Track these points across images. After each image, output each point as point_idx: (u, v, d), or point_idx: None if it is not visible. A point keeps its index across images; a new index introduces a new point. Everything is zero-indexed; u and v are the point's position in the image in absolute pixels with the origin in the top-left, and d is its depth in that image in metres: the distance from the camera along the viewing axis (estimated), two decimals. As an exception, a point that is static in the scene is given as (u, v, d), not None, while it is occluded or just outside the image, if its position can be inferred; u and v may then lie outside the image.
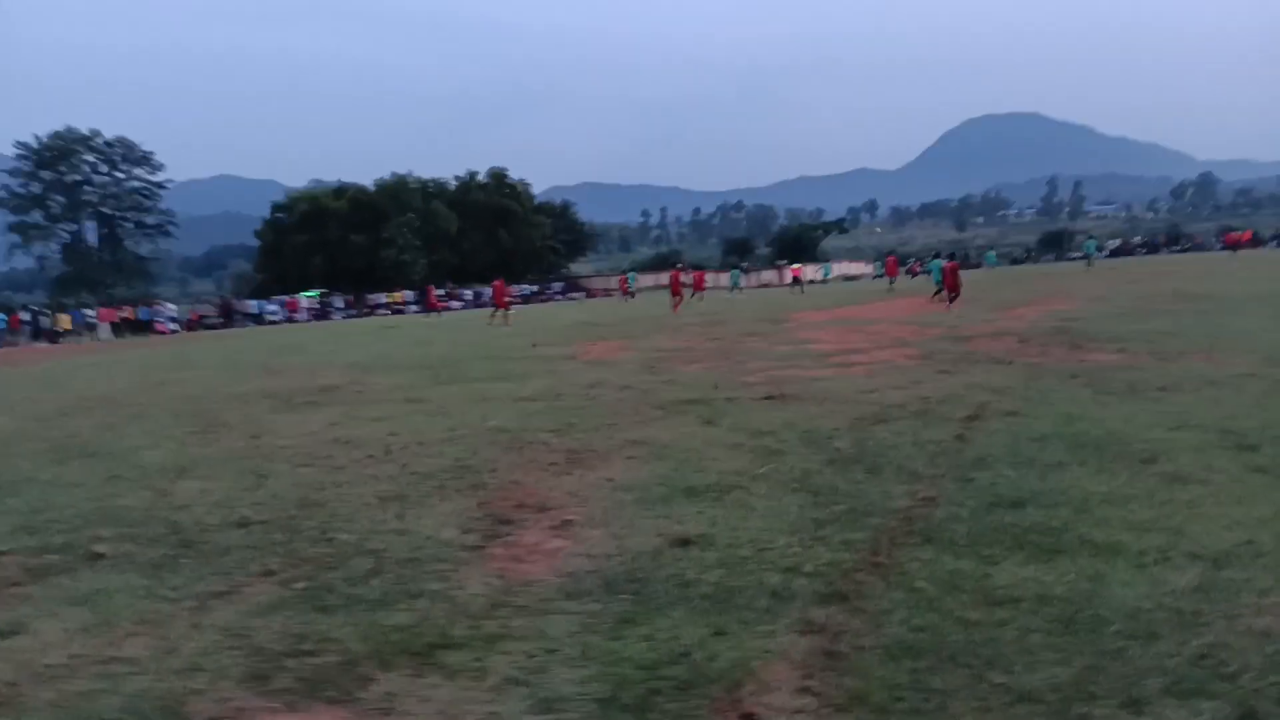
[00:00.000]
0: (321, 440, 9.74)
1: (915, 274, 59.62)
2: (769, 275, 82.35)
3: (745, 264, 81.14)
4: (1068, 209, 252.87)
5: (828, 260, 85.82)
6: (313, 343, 30.60)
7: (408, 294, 71.36)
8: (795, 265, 64.26)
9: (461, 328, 33.33)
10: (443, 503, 6.86)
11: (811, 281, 61.39)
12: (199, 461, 8.95)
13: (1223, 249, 76.95)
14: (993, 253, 35.98)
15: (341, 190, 78.67)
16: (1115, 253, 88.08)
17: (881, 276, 58.12)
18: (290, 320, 62.54)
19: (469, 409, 11.30)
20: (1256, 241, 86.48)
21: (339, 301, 68.50)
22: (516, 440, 9.07)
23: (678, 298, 36.20)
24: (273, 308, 64.56)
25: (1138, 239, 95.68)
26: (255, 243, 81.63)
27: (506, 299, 37.19)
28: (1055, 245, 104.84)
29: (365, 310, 67.59)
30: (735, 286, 56.85)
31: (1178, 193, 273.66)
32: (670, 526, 5.90)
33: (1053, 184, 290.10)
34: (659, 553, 5.40)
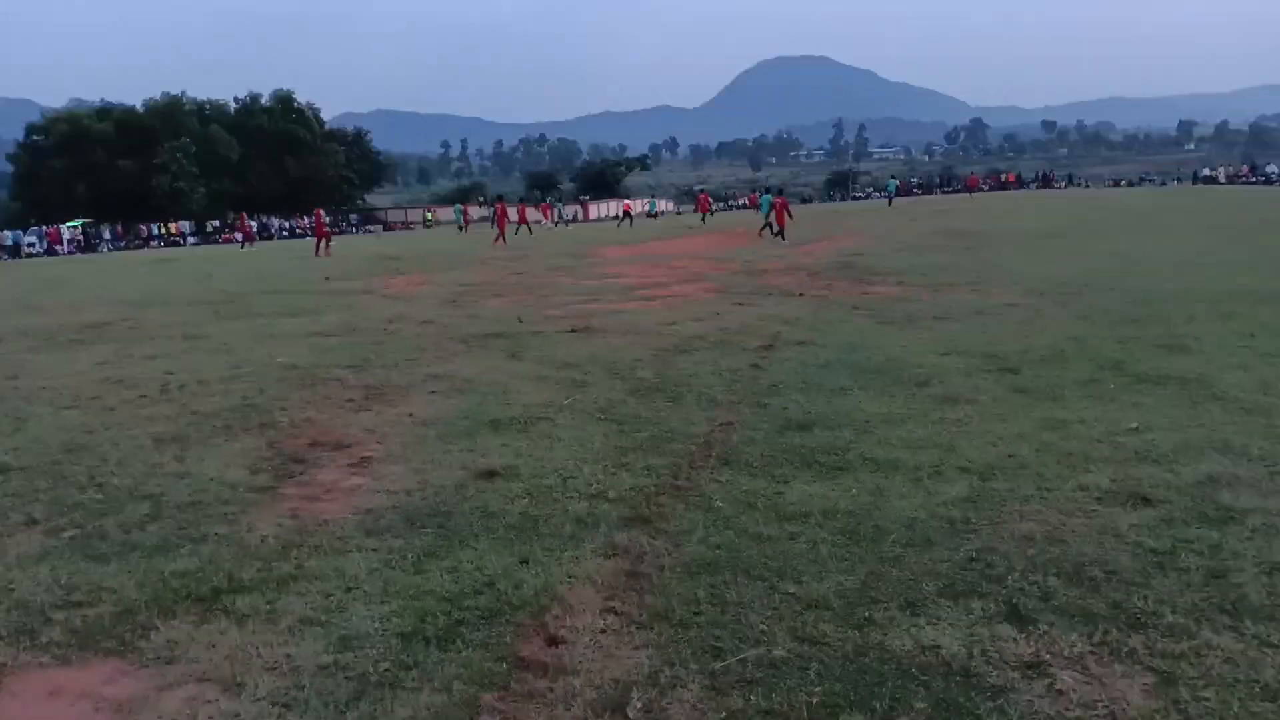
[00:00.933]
0: (89, 380, 8.94)
1: (752, 206, 62.49)
2: (573, 210, 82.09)
3: (567, 198, 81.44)
4: (853, 151, 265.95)
5: (636, 196, 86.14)
6: (78, 277, 27.92)
7: (184, 225, 66.27)
8: (626, 200, 65.49)
9: (253, 260, 31.32)
10: (228, 443, 6.47)
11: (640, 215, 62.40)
12: (-60, 407, 8.00)
13: (990, 189, 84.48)
14: (768, 197, 36.77)
15: (106, 111, 71.46)
16: (884, 192, 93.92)
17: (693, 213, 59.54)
18: (51, 253, 56.75)
19: (255, 346, 10.68)
20: (1019, 183, 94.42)
21: (107, 232, 62.74)
22: (309, 377, 8.66)
23: (500, 232, 35.63)
24: (30, 239, 58.30)
25: (915, 180, 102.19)
26: (8, 168, 73.26)
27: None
28: (841, 185, 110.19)
29: (138, 242, 62.26)
30: (561, 219, 59.75)
31: (951, 137, 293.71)
32: (475, 459, 5.83)
33: (839, 126, 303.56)
34: (463, 486, 5.33)
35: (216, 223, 67.84)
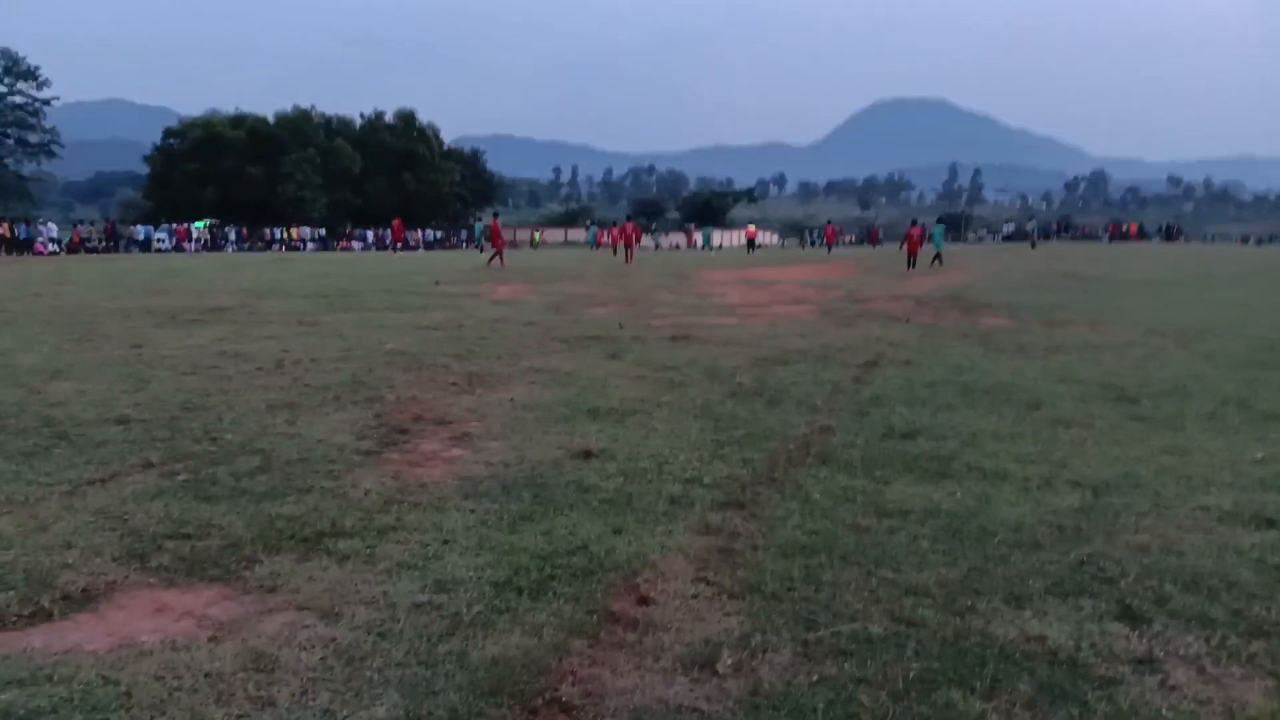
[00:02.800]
0: (208, 353, 9.35)
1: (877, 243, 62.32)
2: (677, 238, 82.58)
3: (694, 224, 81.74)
4: (967, 195, 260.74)
5: (717, 229, 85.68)
6: (202, 269, 29.33)
7: (305, 230, 69.01)
8: (750, 226, 64.70)
9: (373, 264, 32.48)
10: (336, 412, 6.68)
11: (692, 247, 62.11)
12: (75, 365, 8.49)
13: (1110, 240, 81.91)
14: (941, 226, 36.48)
15: (239, 120, 75.12)
16: (1009, 237, 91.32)
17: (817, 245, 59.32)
18: (179, 249, 59.83)
19: (366, 334, 11.02)
20: (1142, 235, 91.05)
21: (232, 234, 65.83)
22: (415, 362, 8.89)
23: (630, 249, 36.10)
24: (161, 235, 61.48)
25: (1031, 224, 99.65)
26: (145, 170, 77.53)
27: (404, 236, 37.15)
28: (954, 228, 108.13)
29: (261, 244, 65.12)
30: (707, 245, 58.36)
31: (1071, 186, 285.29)
32: (571, 440, 5.88)
33: (954, 170, 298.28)
34: (559, 463, 5.38)
35: (319, 232, 70.28)
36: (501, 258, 29.66)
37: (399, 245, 52.68)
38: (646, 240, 64.04)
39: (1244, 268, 33.24)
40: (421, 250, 56.34)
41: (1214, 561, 3.89)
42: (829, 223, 64.30)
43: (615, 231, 39.43)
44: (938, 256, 30.19)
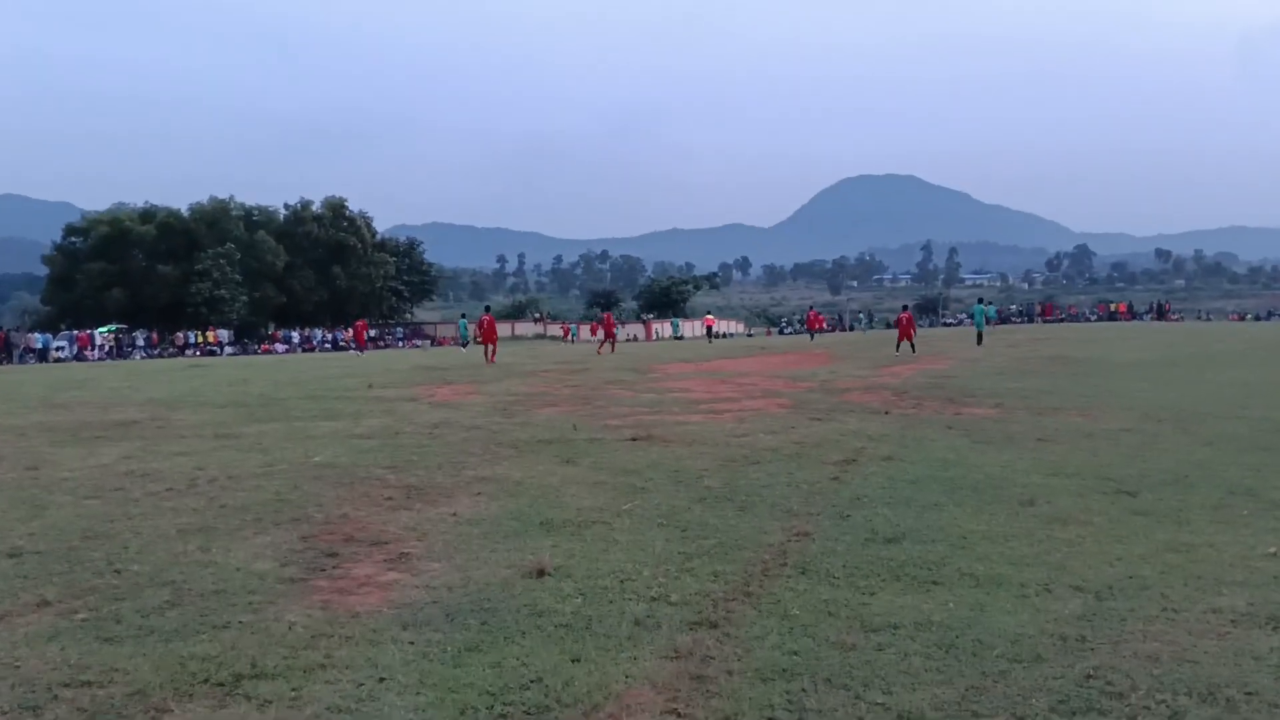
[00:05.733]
0: (113, 473, 9.16)
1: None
2: (634, 329, 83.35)
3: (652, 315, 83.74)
4: (943, 276, 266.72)
5: (682, 319, 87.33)
6: (107, 378, 28.93)
7: (223, 333, 68.65)
8: (709, 315, 67.66)
9: (299, 367, 32.21)
10: (257, 535, 6.54)
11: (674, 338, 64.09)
12: (-42, 492, 8.26)
13: (1099, 319, 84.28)
14: (986, 306, 38.03)
15: (149, 214, 75.04)
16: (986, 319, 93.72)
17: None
18: (80, 358, 59.04)
19: (291, 445, 10.88)
20: (1131, 314, 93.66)
21: (141, 339, 65.24)
22: (347, 475, 8.78)
23: (609, 340, 38.61)
24: (61, 343, 60.75)
25: (1014, 307, 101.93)
26: (43, 272, 76.91)
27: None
28: (930, 311, 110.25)
29: (172, 350, 64.58)
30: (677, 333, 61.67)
31: (1053, 264, 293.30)
32: (523, 559, 5.80)
33: (928, 249, 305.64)
34: (509, 584, 5.30)
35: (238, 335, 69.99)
36: (492, 353, 30.39)
37: (361, 348, 52.41)
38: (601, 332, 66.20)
39: (1241, 346, 34.20)
40: (357, 351, 56.05)
41: (1230, 669, 3.90)
42: (811, 308, 67.08)
43: (594, 325, 42.10)
44: (980, 334, 36.20)
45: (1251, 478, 8.31)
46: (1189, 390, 16.65)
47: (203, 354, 63.50)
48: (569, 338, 73.40)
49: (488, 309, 37.86)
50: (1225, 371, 21.61)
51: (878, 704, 3.64)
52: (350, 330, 60.74)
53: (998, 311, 73.58)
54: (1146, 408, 13.61)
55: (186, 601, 5.07)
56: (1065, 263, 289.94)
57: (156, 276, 69.93)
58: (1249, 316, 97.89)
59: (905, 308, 36.85)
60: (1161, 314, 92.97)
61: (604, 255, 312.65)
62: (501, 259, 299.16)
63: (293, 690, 3.86)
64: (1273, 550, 5.87)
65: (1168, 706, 3.54)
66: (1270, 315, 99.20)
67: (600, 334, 42.33)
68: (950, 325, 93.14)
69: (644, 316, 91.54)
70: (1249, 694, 3.63)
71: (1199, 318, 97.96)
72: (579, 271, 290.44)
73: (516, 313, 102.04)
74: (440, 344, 76.94)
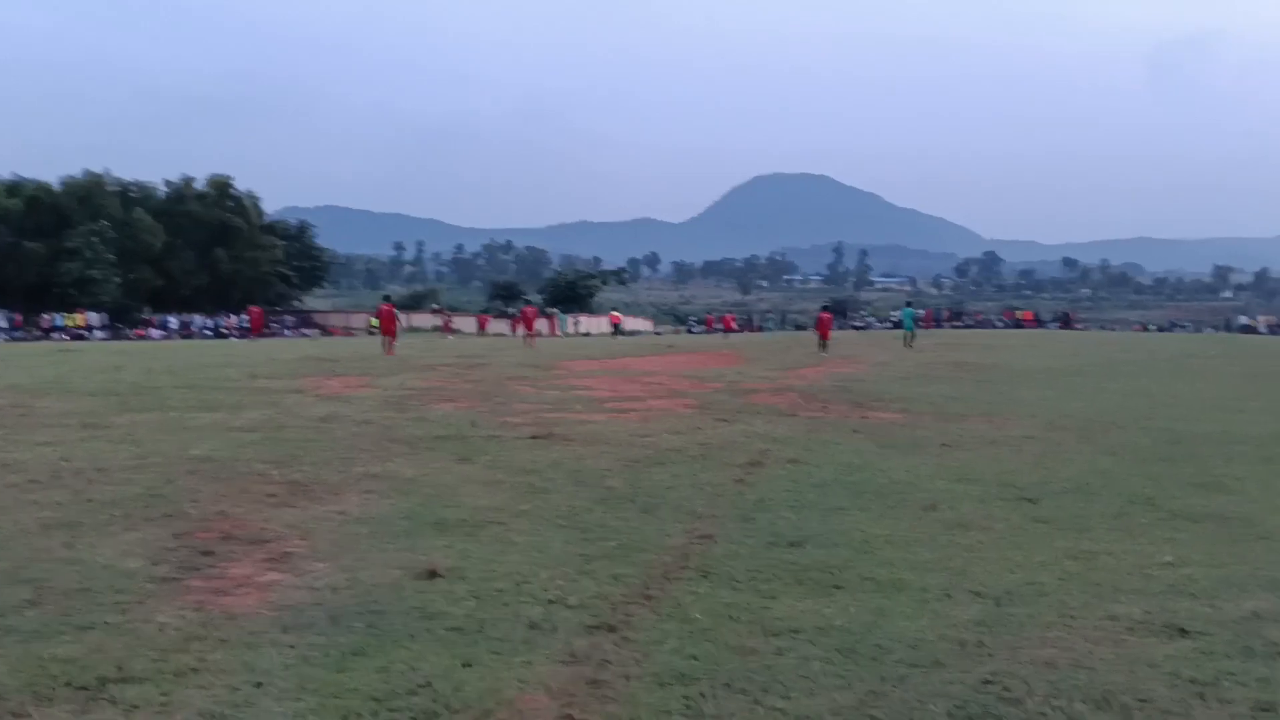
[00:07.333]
0: (-35, 464, 8.76)
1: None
2: (540, 325, 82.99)
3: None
4: (853, 278, 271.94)
5: (584, 315, 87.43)
6: (-40, 364, 27.64)
7: (93, 316, 66.14)
8: (614, 312, 68.52)
9: (176, 354, 31.18)
10: (126, 532, 6.34)
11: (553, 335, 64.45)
12: None
13: (1006, 326, 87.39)
14: (917, 310, 39.95)
15: (16, 187, 71.90)
16: (898, 324, 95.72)
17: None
18: (-68, 341, 56.31)
19: (165, 437, 10.55)
20: (1037, 322, 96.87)
21: (3, 320, 62.49)
22: (225, 470, 8.56)
23: (532, 334, 39.91)
24: (-91, 325, 58.00)
25: (922, 311, 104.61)
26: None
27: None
28: (840, 314, 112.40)
29: (38, 333, 61.99)
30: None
31: (962, 269, 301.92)
32: (414, 559, 5.74)
33: (839, 250, 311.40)
34: (399, 585, 5.24)
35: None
36: (390, 346, 29.67)
37: (256, 335, 52.24)
38: (497, 326, 66.57)
39: (1143, 357, 35.69)
40: (238, 339, 54.70)
41: (1125, 676, 4.08)
42: (729, 314, 69.60)
43: (514, 320, 42.83)
44: (912, 336, 38.42)
45: (1151, 487, 8.68)
46: (1093, 399, 17.29)
47: (71, 338, 61.14)
48: (485, 330, 72.26)
49: (387, 298, 37.00)
50: (1129, 381, 22.51)
51: (776, 709, 3.71)
52: (243, 317, 59.69)
53: (925, 313, 76.18)
54: (1050, 416, 14.11)
55: (48, 600, 4.90)
56: (974, 269, 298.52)
57: (22, 254, 66.99)
58: (1152, 328, 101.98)
59: (825, 308, 38.92)
60: (1067, 323, 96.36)
61: (508, 246, 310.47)
62: (399, 246, 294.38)
63: (162, 695, 3.76)
64: (1169, 559, 6.15)
65: (1064, 713, 3.69)
66: (1173, 326, 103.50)
67: (521, 329, 42.94)
68: (859, 329, 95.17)
69: (548, 311, 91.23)
70: (1143, 701, 3.81)
71: (1103, 328, 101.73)
72: (481, 262, 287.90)
73: (415, 303, 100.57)
74: (331, 333, 75.49)
